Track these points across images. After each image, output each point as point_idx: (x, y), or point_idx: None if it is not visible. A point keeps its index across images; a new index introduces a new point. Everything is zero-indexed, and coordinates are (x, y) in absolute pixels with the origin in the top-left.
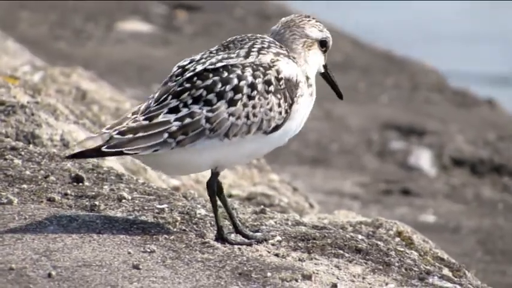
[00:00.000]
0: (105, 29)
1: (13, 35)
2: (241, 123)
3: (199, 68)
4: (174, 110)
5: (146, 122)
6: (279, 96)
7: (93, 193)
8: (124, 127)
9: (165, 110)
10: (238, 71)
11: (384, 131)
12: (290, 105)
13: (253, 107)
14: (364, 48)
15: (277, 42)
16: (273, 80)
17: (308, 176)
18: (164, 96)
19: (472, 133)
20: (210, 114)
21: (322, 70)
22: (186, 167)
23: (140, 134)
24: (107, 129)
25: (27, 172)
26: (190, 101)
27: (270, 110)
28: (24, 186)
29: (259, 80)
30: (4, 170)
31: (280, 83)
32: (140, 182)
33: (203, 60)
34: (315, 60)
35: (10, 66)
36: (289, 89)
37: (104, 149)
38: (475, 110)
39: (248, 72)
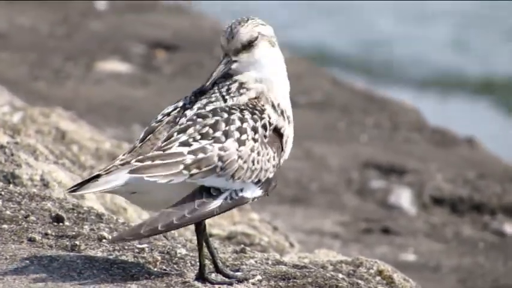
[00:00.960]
0: (85, 68)
1: None
2: (247, 167)
3: (189, 112)
4: (185, 144)
5: (160, 152)
6: (273, 148)
7: (74, 233)
8: (140, 156)
9: (176, 143)
10: (238, 113)
11: (364, 170)
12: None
13: (258, 153)
14: (343, 86)
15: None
16: (267, 124)
17: (288, 215)
18: (170, 134)
19: (451, 172)
20: (222, 153)
21: None
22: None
23: (158, 162)
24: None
25: (8, 212)
26: (198, 137)
27: (268, 161)
28: (5, 226)
29: (258, 124)
30: None
31: (271, 127)
32: (120, 222)
33: (188, 106)
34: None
35: None
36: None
37: (127, 173)
38: (454, 149)
39: (247, 115)
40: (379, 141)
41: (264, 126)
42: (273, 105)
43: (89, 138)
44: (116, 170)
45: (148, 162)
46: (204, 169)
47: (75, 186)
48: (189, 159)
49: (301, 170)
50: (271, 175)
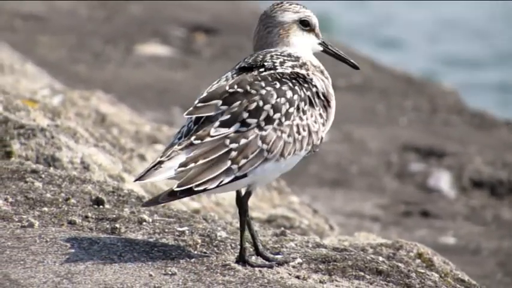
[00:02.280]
0: (124, 52)
1: (32, 59)
2: (293, 140)
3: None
4: (226, 124)
5: (198, 142)
6: (318, 107)
7: (114, 216)
8: (182, 155)
9: (217, 123)
10: (289, 83)
11: (403, 153)
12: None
13: (301, 119)
14: (383, 70)
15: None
16: (314, 94)
17: (328, 198)
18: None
19: (491, 155)
20: (263, 133)
21: (321, 48)
22: (227, 189)
23: (201, 162)
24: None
25: (48, 195)
26: (246, 115)
27: (315, 122)
28: (45, 209)
29: (305, 94)
30: (25, 193)
31: (319, 95)
32: (161, 205)
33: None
34: (299, 41)
35: (29, 89)
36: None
37: (175, 188)
38: (493, 132)
39: (297, 87)
40: (418, 124)
41: (313, 95)
42: (321, 71)
43: (129, 121)
44: (176, 155)
45: (192, 165)
46: (250, 156)
47: (141, 174)
48: (233, 151)
49: (341, 153)
50: (323, 134)
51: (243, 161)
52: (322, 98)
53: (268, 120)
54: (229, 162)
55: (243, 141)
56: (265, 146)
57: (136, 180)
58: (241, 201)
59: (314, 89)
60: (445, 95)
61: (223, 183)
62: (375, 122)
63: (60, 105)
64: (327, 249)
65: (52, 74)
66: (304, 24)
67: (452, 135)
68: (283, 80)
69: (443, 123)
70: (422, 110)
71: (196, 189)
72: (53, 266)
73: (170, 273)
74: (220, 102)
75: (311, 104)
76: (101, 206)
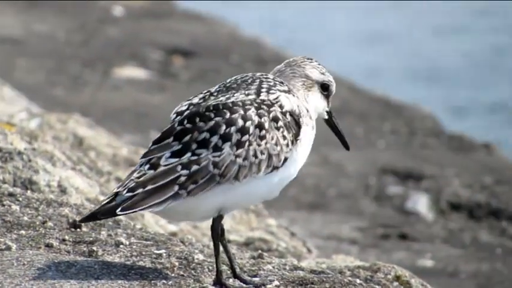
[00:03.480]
0: (102, 75)
1: (10, 82)
2: (249, 163)
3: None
4: (177, 154)
5: (152, 172)
6: (282, 129)
7: (91, 239)
8: (132, 182)
9: (167, 153)
10: (241, 111)
11: (382, 176)
12: (295, 136)
13: (259, 145)
14: (360, 93)
15: (278, 79)
16: (279, 115)
17: (306, 221)
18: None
19: (469, 177)
20: (216, 159)
21: (326, 116)
22: (195, 213)
23: (150, 187)
24: (118, 187)
25: (25, 218)
26: (194, 146)
27: (276, 144)
28: (23, 232)
29: (265, 119)
30: (2, 216)
31: (286, 116)
32: (138, 228)
33: (204, 103)
34: (315, 102)
35: (7, 113)
36: (292, 121)
37: (118, 211)
38: (471, 154)
39: (252, 111)
40: (396, 147)
41: (275, 119)
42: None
43: (106, 144)
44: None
45: (140, 190)
46: (200, 181)
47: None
48: (183, 176)
49: (319, 176)
50: (287, 154)
51: (191, 186)
52: (289, 118)
53: (217, 148)
54: (176, 187)
55: (194, 167)
56: (216, 171)
57: (82, 221)
58: (213, 226)
59: (278, 110)
60: (423, 118)
61: (170, 205)
62: (353, 145)
63: (37, 129)
64: (305, 271)
65: (30, 98)
66: (323, 88)
67: (430, 158)
68: (237, 107)
69: (421, 146)
70: (401, 133)
71: (139, 211)
72: None
73: None
74: (171, 139)
75: (272, 127)
76: (78, 229)
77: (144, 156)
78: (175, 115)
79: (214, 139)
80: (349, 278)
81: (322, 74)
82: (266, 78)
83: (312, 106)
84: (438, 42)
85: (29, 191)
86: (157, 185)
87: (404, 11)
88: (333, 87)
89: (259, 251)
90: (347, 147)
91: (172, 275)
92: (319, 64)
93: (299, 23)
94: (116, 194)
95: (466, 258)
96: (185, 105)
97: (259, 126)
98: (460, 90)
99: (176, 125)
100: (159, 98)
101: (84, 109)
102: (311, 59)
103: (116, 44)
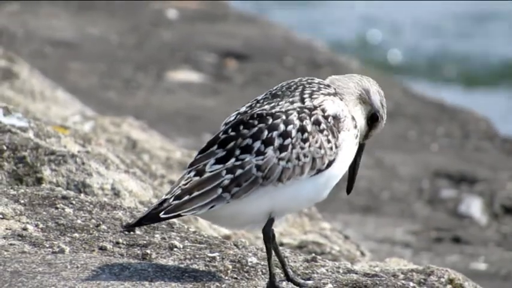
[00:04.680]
0: (155, 78)
1: (63, 85)
2: (292, 165)
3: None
4: (221, 160)
5: (197, 178)
6: (326, 132)
7: (145, 242)
8: (179, 190)
9: (212, 160)
10: (283, 116)
11: (435, 179)
12: (337, 139)
13: (302, 148)
14: (414, 96)
15: (324, 82)
16: (320, 118)
17: (359, 224)
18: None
19: None
20: (259, 162)
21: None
22: (243, 217)
23: (196, 193)
24: (166, 195)
25: (79, 221)
26: (238, 152)
27: (320, 147)
28: (76, 235)
29: (306, 122)
30: (56, 219)
31: (328, 120)
32: (191, 231)
33: (250, 111)
34: (359, 118)
35: (60, 116)
36: (335, 125)
37: (162, 215)
38: None
39: (294, 116)
40: (450, 150)
41: (316, 122)
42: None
43: (160, 147)
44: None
45: (186, 197)
46: (244, 184)
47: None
48: (226, 180)
49: (372, 179)
50: (331, 158)
51: (235, 189)
52: (332, 121)
53: (260, 153)
54: (220, 190)
55: (238, 171)
56: (260, 173)
57: (126, 227)
58: (264, 230)
59: (320, 113)
60: (476, 121)
61: (213, 208)
62: (407, 148)
63: (91, 132)
64: (358, 274)
65: (83, 101)
66: (371, 118)
67: (484, 161)
68: (280, 113)
69: (474, 149)
70: (454, 136)
71: (183, 214)
72: None
73: None
74: (215, 146)
75: (315, 130)
76: (132, 232)
77: (190, 165)
78: (224, 125)
79: (257, 144)
80: (403, 281)
81: (381, 105)
82: (310, 83)
83: (358, 119)
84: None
85: (82, 194)
86: (203, 190)
87: None
88: (380, 125)
89: (313, 254)
90: (348, 190)
91: (226, 278)
92: (383, 97)
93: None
94: (164, 201)
95: None
96: (233, 115)
97: (302, 130)
98: None
99: (221, 134)
100: (212, 102)
101: (138, 112)
102: (380, 88)
103: (169, 47)
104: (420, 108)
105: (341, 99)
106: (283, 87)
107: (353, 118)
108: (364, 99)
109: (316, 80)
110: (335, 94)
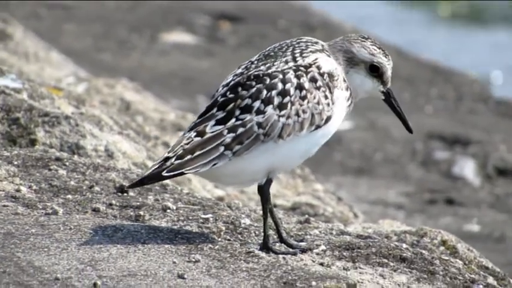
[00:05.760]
0: (149, 40)
1: (57, 47)
2: (292, 121)
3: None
4: (222, 121)
5: (199, 139)
6: (323, 89)
7: (138, 203)
8: (180, 149)
9: (212, 121)
10: (280, 75)
11: (428, 141)
12: (333, 95)
13: (301, 104)
14: (408, 58)
15: (314, 40)
16: (317, 76)
17: (352, 186)
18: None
19: None
20: (260, 119)
21: (382, 97)
22: (243, 174)
23: (198, 153)
24: (168, 152)
25: (72, 182)
26: (238, 112)
27: (318, 103)
28: (69, 196)
29: (303, 79)
30: (49, 181)
31: (324, 77)
32: (185, 192)
33: (246, 72)
34: (357, 80)
35: (54, 77)
36: (331, 81)
37: (164, 173)
38: None
39: (291, 74)
40: (444, 112)
41: (313, 79)
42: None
43: (154, 109)
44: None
45: (188, 157)
46: (246, 142)
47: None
48: (228, 138)
49: (365, 141)
50: (329, 113)
51: (237, 147)
52: (327, 78)
53: (260, 112)
54: (222, 148)
55: (240, 129)
56: (261, 131)
57: (129, 187)
58: (263, 189)
59: (316, 71)
60: (470, 83)
61: (216, 166)
62: None
63: (84, 93)
64: (351, 236)
65: (77, 62)
66: (372, 69)
67: (478, 123)
68: (277, 73)
69: (468, 111)
70: (448, 98)
71: (186, 172)
72: (76, 253)
73: (194, 260)
74: (215, 109)
75: (312, 87)
76: (125, 194)
77: (190, 129)
78: (221, 87)
79: (257, 104)
80: (396, 243)
81: (372, 54)
82: (298, 42)
83: (353, 83)
84: None
85: (75, 156)
86: (205, 150)
87: None
88: (385, 69)
89: (306, 216)
90: (409, 130)
91: (219, 239)
92: (372, 44)
93: None
94: (166, 159)
95: None
96: (229, 77)
97: (299, 87)
98: None
99: (219, 97)
100: (206, 63)
101: (132, 74)
102: (365, 38)
103: (163, 9)
104: (414, 69)
105: (330, 57)
106: (275, 48)
107: (344, 80)
108: (352, 61)
109: (304, 39)
110: (322, 50)
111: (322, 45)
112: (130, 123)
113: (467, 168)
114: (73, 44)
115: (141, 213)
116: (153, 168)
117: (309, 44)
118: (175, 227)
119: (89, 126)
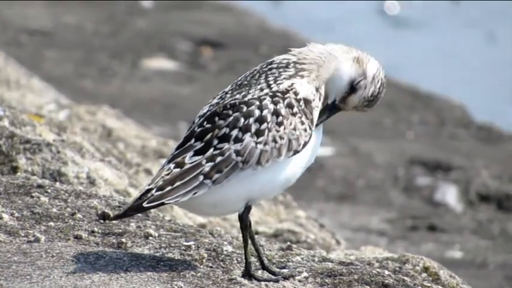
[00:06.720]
0: (131, 66)
1: (38, 74)
2: (270, 148)
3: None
4: (200, 152)
5: (178, 170)
6: (299, 115)
7: (120, 230)
8: (161, 181)
9: (191, 152)
10: (257, 102)
11: (410, 167)
12: (311, 121)
13: (277, 131)
14: (389, 83)
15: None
16: (293, 102)
17: (335, 213)
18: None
19: (497, 168)
20: (238, 147)
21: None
22: (223, 203)
23: (178, 183)
24: (149, 185)
25: (54, 210)
26: (216, 142)
27: (294, 129)
28: (51, 223)
29: (280, 106)
30: (31, 208)
31: (300, 103)
32: (167, 219)
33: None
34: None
35: (35, 104)
36: (307, 107)
37: (145, 204)
38: (500, 145)
39: (267, 101)
40: (425, 137)
41: (289, 105)
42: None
43: (135, 135)
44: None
45: (169, 188)
46: (225, 170)
47: (130, 204)
48: (207, 167)
49: (348, 167)
50: (306, 138)
51: (216, 175)
52: (303, 104)
53: (238, 140)
54: (201, 177)
55: (218, 158)
56: (239, 158)
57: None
58: (242, 216)
59: (293, 96)
60: (452, 108)
61: (196, 195)
62: (382, 136)
63: (66, 120)
64: (333, 263)
65: (58, 89)
66: (351, 88)
67: (459, 148)
68: (253, 100)
69: (450, 136)
70: (429, 123)
71: (167, 202)
72: (59, 281)
73: (176, 287)
74: (193, 140)
75: (289, 114)
76: (107, 221)
77: (169, 161)
78: (197, 118)
79: (235, 132)
80: (378, 270)
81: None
82: (270, 69)
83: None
84: None
85: (57, 183)
86: (185, 180)
87: None
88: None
89: (288, 243)
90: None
91: (201, 266)
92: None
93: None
94: (146, 192)
95: (495, 250)
96: (206, 107)
97: (276, 113)
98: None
99: (196, 127)
100: (188, 90)
101: (113, 100)
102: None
103: (144, 35)
104: (395, 95)
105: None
106: (247, 77)
107: (317, 90)
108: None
109: (275, 64)
110: (296, 75)
111: (294, 63)
112: (112, 150)
113: (449, 194)
114: (54, 71)
115: (123, 240)
116: (134, 200)
117: (280, 69)
118: (157, 254)
119: (71, 153)
